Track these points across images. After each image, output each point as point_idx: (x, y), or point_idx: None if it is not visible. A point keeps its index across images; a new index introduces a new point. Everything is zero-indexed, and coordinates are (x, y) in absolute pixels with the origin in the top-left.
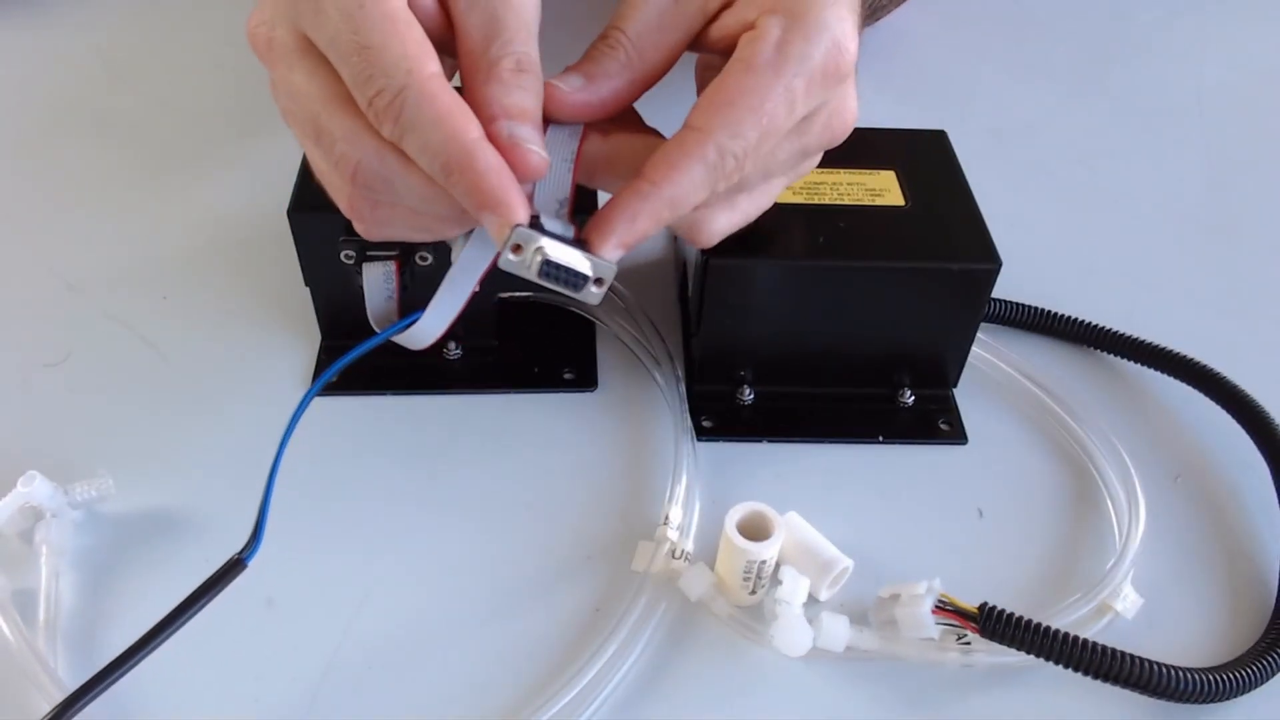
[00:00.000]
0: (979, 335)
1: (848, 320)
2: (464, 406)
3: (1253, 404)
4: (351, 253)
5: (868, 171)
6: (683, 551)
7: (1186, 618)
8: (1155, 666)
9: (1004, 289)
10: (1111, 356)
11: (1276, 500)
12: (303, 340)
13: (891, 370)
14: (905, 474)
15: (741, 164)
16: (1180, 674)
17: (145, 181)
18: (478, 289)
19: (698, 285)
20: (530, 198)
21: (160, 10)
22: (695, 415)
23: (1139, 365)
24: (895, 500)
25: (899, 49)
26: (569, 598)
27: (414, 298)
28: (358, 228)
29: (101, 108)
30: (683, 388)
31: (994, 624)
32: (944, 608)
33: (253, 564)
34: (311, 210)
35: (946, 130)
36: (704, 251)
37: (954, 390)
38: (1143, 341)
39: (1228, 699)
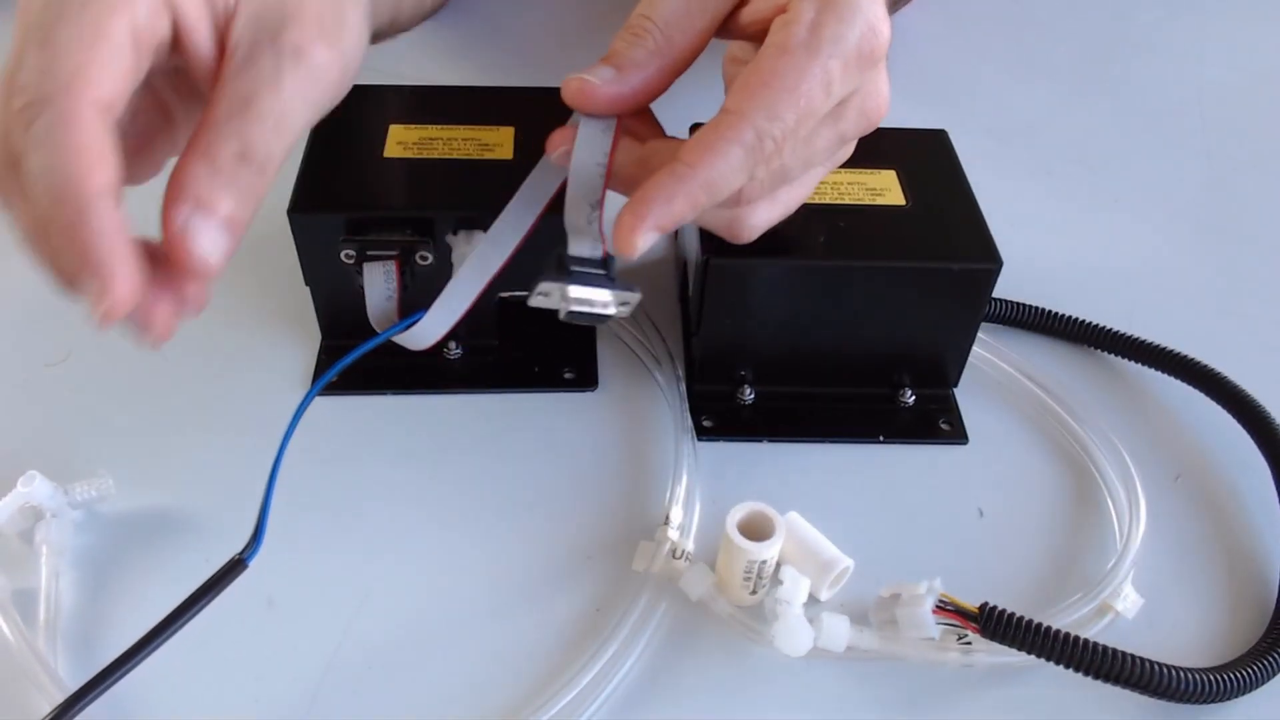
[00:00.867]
0: (979, 335)
1: (848, 320)
2: (464, 406)
3: (1253, 404)
4: (351, 252)
5: (868, 171)
6: (683, 551)
7: (1187, 618)
8: (1155, 666)
9: (1004, 289)
10: (1111, 356)
11: (1277, 500)
12: (303, 340)
13: (892, 370)
14: (906, 474)
15: (780, 147)
16: (1181, 674)
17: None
18: (482, 294)
19: (698, 285)
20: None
21: None
22: (696, 415)
23: (1139, 365)
24: (896, 500)
25: (899, 49)
26: (569, 597)
27: (414, 298)
28: None
29: None
30: (683, 387)
31: (994, 624)
32: (944, 608)
33: (253, 564)
34: (312, 210)
35: (947, 130)
36: (704, 251)
37: (954, 390)
38: (1143, 341)
39: (1228, 699)
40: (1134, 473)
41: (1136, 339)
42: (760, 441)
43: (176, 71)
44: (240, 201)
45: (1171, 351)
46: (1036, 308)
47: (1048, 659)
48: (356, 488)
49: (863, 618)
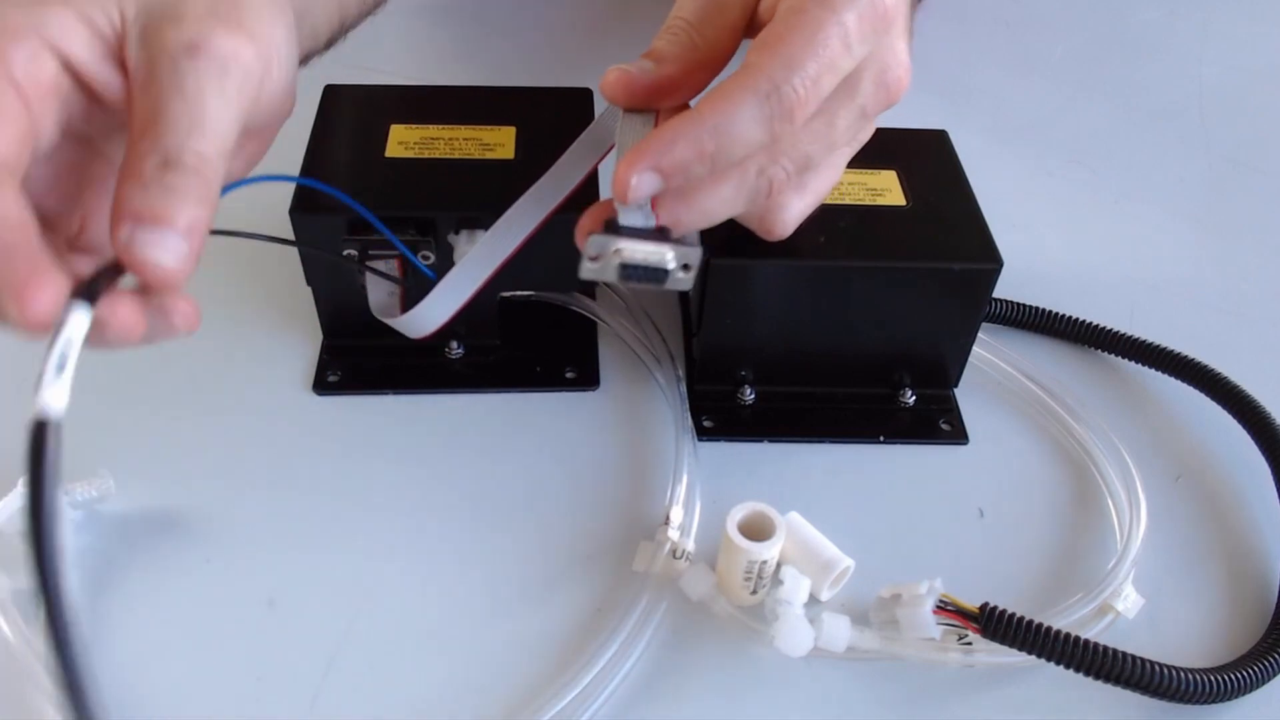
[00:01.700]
0: (980, 335)
1: (848, 320)
2: (465, 406)
3: (1253, 404)
4: (353, 251)
5: (868, 171)
6: (683, 551)
7: (1187, 618)
8: (1156, 667)
9: (1004, 289)
10: (1112, 356)
11: (1277, 500)
12: (304, 340)
13: (892, 370)
14: (906, 474)
15: (804, 101)
16: (1181, 674)
17: None
18: (485, 285)
19: (698, 285)
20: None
21: None
22: (696, 415)
23: (1139, 365)
24: (896, 500)
25: None
26: (569, 598)
27: (416, 296)
28: None
29: None
30: (684, 387)
31: (995, 624)
32: (945, 608)
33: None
34: (313, 210)
35: (947, 130)
36: (704, 251)
37: (955, 390)
38: (1143, 341)
39: (1228, 699)
40: (1134, 473)
41: (1136, 339)
42: (761, 441)
43: (98, 107)
44: (179, 206)
45: (1171, 351)
46: (1036, 308)
47: (1048, 659)
48: (357, 487)
49: (863, 618)
